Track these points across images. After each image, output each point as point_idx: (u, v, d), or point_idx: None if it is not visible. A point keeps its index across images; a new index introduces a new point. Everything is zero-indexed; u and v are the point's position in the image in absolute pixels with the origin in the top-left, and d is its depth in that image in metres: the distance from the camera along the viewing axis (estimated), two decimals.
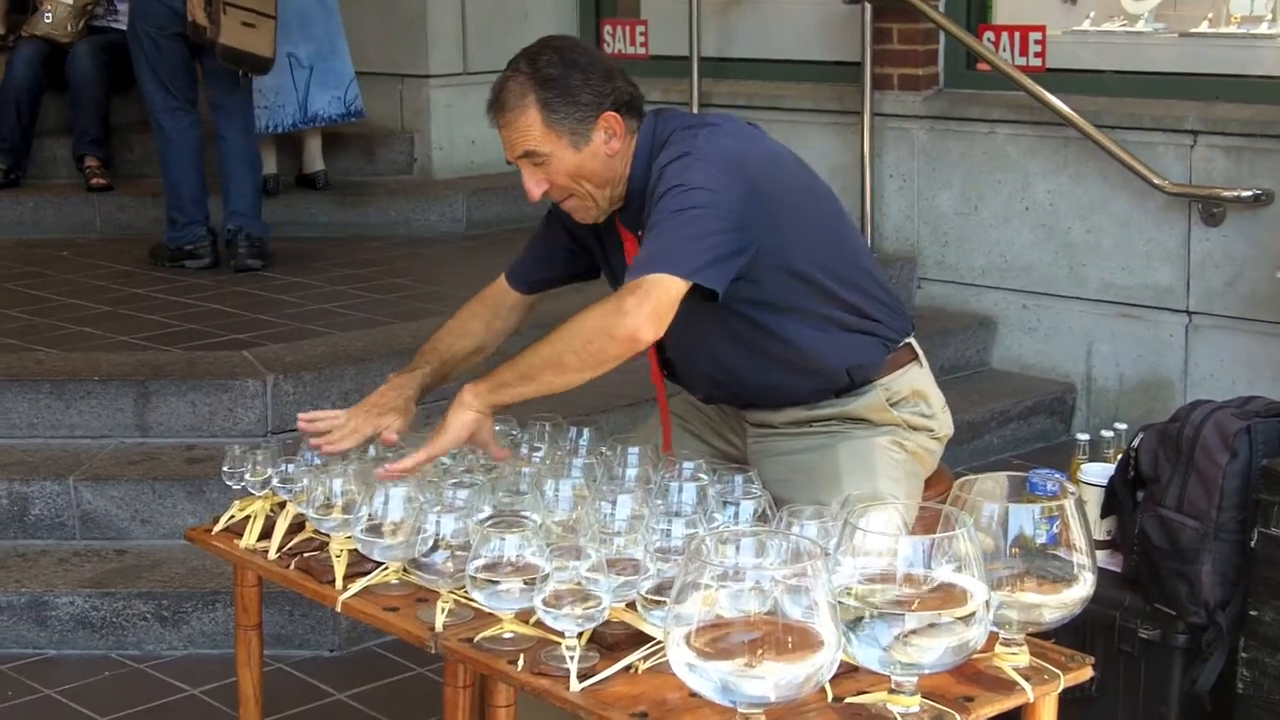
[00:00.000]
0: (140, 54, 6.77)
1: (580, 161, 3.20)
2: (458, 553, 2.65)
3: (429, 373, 3.46)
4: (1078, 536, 2.31)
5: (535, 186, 3.25)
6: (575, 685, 2.39)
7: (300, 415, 3.32)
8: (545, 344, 3.07)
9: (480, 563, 2.52)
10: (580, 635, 2.44)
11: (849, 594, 2.11)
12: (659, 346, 3.38)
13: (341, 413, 3.31)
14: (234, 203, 6.85)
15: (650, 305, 2.96)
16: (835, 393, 3.36)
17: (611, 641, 2.48)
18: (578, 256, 3.54)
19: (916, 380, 3.43)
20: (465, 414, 3.08)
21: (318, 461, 3.15)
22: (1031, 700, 2.35)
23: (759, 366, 3.31)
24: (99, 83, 8.02)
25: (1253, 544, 3.61)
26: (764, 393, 3.37)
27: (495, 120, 3.24)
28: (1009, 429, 6.24)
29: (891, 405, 3.38)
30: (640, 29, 7.73)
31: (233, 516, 3.23)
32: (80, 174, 7.93)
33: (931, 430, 3.44)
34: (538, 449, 3.22)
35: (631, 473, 3.00)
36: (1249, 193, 5.83)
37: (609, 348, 3.00)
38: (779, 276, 3.19)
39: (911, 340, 3.45)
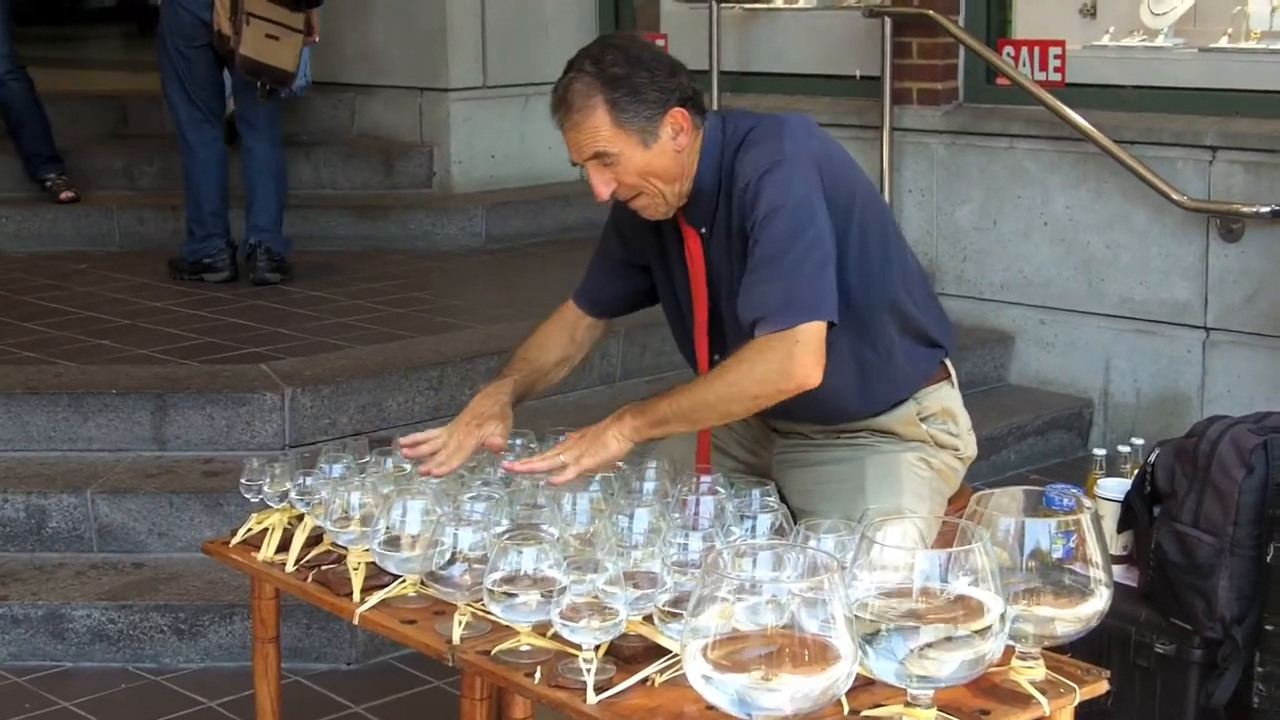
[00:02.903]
0: (167, 65, 6.82)
1: (649, 159, 3.19)
2: (475, 566, 2.66)
3: (520, 380, 3.48)
4: (1094, 551, 2.31)
5: (604, 187, 3.23)
6: (592, 698, 2.39)
7: (400, 440, 3.30)
8: (708, 389, 3.13)
9: (498, 575, 2.53)
10: (597, 648, 2.45)
11: (865, 607, 2.11)
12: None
13: (440, 431, 3.30)
14: (256, 217, 6.87)
15: (812, 354, 3.05)
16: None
17: (628, 654, 2.49)
18: (634, 272, 3.55)
19: (947, 398, 3.45)
20: (625, 444, 3.13)
21: (336, 475, 3.14)
22: (1047, 713, 2.34)
23: (821, 390, 3.21)
24: (37, 106, 8.05)
25: (1269, 559, 3.61)
26: (814, 414, 3.37)
27: (561, 122, 3.22)
28: (1027, 444, 6.24)
29: (921, 420, 3.39)
30: (660, 43, 7.73)
31: (250, 529, 3.23)
32: (45, 191, 7.94)
33: (957, 450, 3.45)
34: None
35: (649, 486, 3.01)
36: (1268, 208, 5.83)
37: (776, 397, 3.10)
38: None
39: (946, 359, 3.47)
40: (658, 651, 2.46)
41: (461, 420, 3.32)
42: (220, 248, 6.98)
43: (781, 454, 3.48)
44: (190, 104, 6.81)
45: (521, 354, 3.58)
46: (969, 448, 3.48)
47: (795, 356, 3.04)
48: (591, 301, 3.63)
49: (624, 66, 3.17)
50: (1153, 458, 3.87)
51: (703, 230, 3.28)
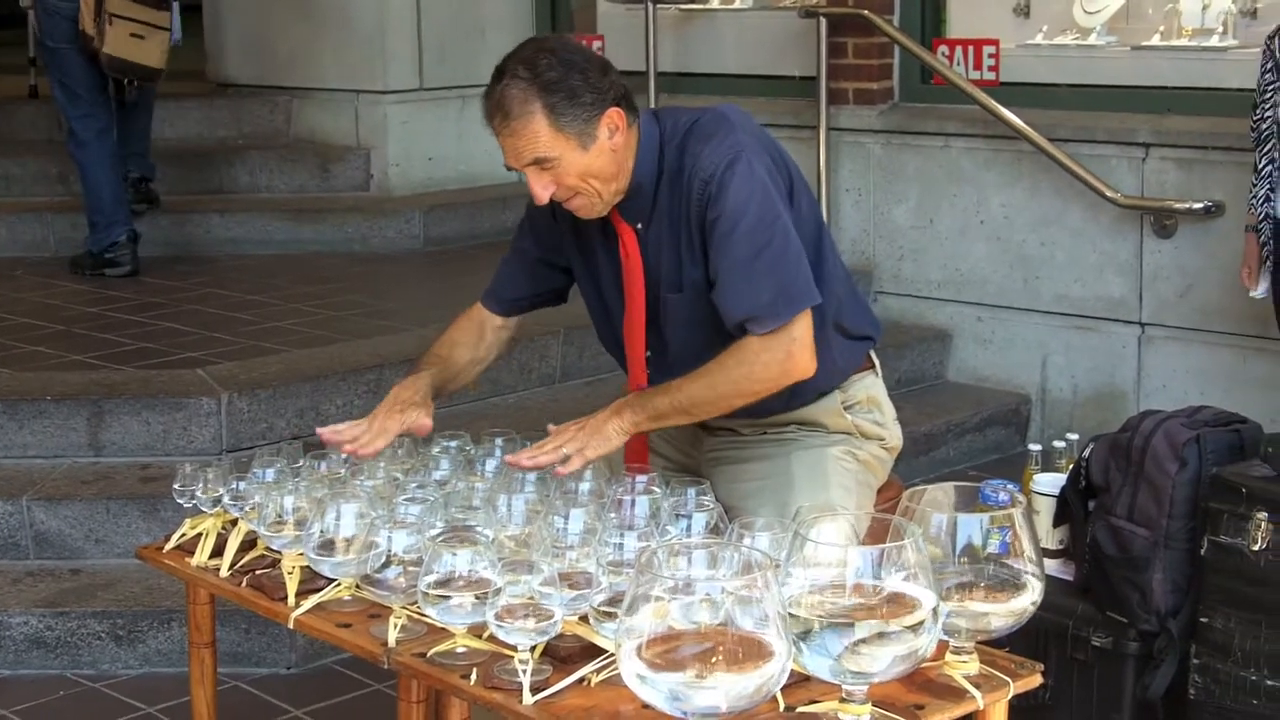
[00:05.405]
0: (49, 67, 7.08)
1: (588, 161, 3.18)
2: (410, 568, 2.65)
3: (436, 375, 3.47)
4: (1026, 545, 2.32)
5: (543, 191, 3.22)
6: (528, 698, 2.39)
7: (319, 430, 3.30)
8: (709, 388, 3.19)
9: (432, 578, 2.52)
10: (533, 649, 2.44)
11: (799, 604, 2.12)
12: (656, 363, 3.38)
13: (361, 421, 3.30)
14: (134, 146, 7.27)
15: (809, 348, 3.18)
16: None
17: (564, 654, 2.48)
18: (546, 270, 3.55)
19: (872, 388, 3.47)
20: (623, 438, 3.19)
21: (270, 479, 3.11)
22: (982, 707, 2.36)
23: None
24: None
25: (1203, 552, 3.64)
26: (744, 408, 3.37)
27: (498, 129, 3.20)
28: (965, 441, 6.26)
29: (846, 409, 3.41)
30: (597, 44, 7.74)
31: (184, 534, 3.21)
32: None
33: (883, 440, 3.47)
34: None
35: (585, 487, 3.01)
36: (1200, 204, 5.88)
37: (775, 390, 3.21)
38: None
39: (872, 351, 3.49)
40: (594, 651, 2.46)
41: (383, 407, 3.32)
42: (122, 238, 7.07)
43: (711, 452, 3.49)
44: (76, 100, 7.00)
45: (435, 350, 3.58)
46: (895, 438, 3.50)
47: (794, 354, 3.16)
48: (498, 300, 3.63)
49: (558, 70, 3.15)
50: (1087, 452, 3.90)
51: (638, 226, 3.29)
